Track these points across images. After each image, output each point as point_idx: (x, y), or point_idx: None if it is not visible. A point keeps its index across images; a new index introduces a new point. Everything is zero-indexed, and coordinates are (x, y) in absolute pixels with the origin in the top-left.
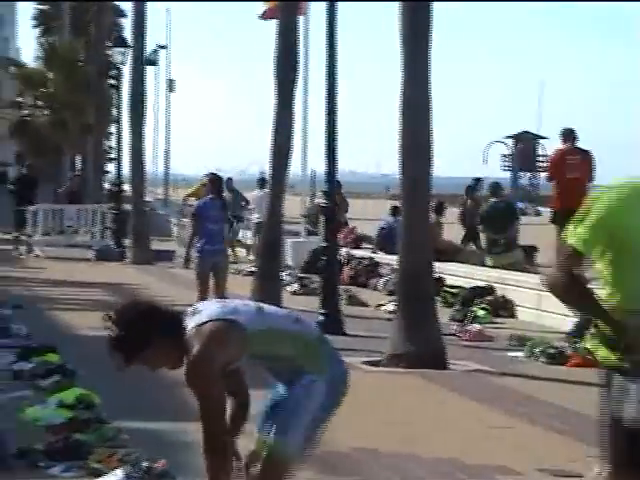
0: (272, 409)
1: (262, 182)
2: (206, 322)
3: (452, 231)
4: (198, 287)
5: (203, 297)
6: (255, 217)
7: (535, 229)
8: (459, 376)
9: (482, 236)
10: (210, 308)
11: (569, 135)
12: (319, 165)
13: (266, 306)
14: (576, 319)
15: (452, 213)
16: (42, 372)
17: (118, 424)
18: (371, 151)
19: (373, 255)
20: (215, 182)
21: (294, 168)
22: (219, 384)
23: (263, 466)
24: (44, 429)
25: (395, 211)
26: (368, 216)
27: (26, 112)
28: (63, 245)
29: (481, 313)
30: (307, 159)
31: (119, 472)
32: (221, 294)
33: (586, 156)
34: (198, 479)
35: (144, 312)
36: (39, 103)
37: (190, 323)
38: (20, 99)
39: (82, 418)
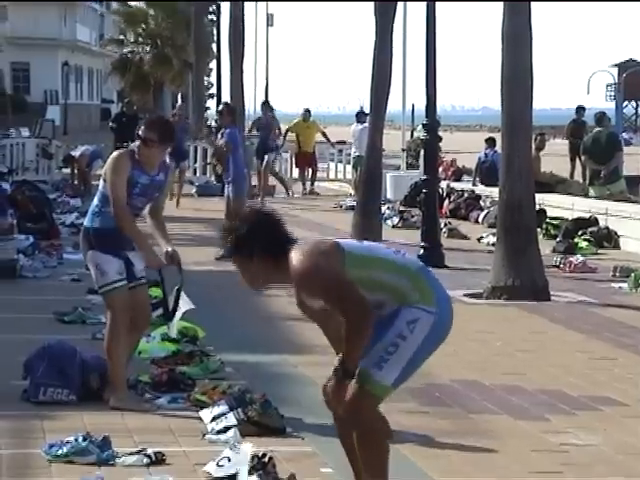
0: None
1: (360, 116)
2: (306, 243)
3: (558, 162)
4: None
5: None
6: (353, 151)
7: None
8: (562, 307)
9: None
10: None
11: None
12: (419, 100)
13: (366, 242)
14: None
15: (553, 144)
16: None
17: (222, 357)
18: (472, 85)
19: (474, 188)
20: (231, 111)
21: (393, 103)
22: (336, 273)
23: (353, 394)
24: (149, 362)
25: (490, 142)
26: (468, 149)
27: (128, 49)
28: None
29: (584, 244)
30: (406, 94)
31: (222, 403)
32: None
33: None
34: (296, 407)
35: (259, 224)
36: (140, 40)
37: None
38: (122, 37)
39: (186, 351)
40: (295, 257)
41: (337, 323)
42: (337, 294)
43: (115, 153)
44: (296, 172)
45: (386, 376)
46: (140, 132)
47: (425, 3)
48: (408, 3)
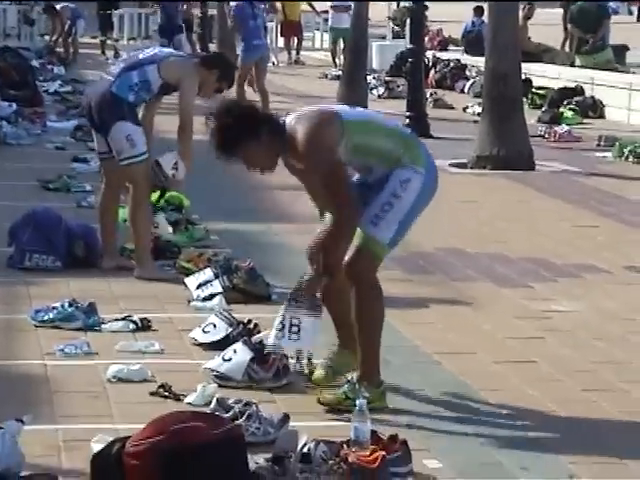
0: (364, 196)
1: None
2: (304, 112)
3: (545, 31)
4: (238, 76)
5: (241, 86)
6: (330, 21)
7: (627, 28)
8: (546, 176)
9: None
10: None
11: None
12: None
13: (359, 107)
14: None
15: (541, 13)
16: None
17: (207, 225)
18: None
19: (460, 57)
20: None
21: None
22: (336, 155)
23: (352, 254)
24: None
25: (478, 11)
26: (455, 18)
27: None
28: None
29: (569, 114)
30: None
31: (208, 271)
32: (262, 86)
33: None
34: (281, 275)
35: (249, 107)
36: None
37: (288, 118)
38: None
39: (171, 219)
40: (299, 127)
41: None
42: (333, 181)
43: (193, 68)
44: (281, 41)
45: (381, 233)
46: (214, 62)
47: None
48: None
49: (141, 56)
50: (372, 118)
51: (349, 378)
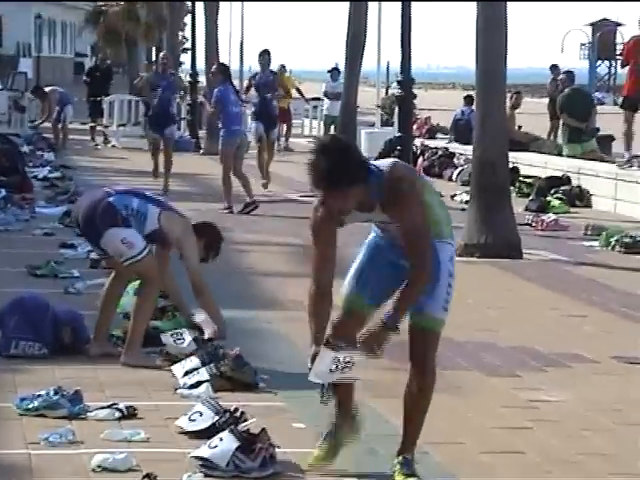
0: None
1: (334, 73)
2: (392, 163)
3: (532, 120)
4: (223, 163)
5: (227, 173)
6: (325, 108)
7: (612, 118)
8: (534, 265)
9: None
10: None
11: None
12: (394, 58)
13: None
14: None
15: (529, 103)
16: None
17: (194, 312)
18: (448, 43)
19: (448, 145)
20: (226, 71)
21: (369, 60)
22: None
23: (428, 343)
24: (121, 316)
25: (468, 100)
26: (443, 107)
27: (101, 3)
28: (139, 136)
29: (556, 203)
30: (381, 51)
31: (195, 358)
32: (239, 171)
33: None
34: (268, 363)
35: (359, 151)
36: None
37: (381, 166)
38: None
39: (159, 306)
40: (400, 177)
41: (331, 254)
42: (424, 234)
43: (192, 228)
44: None
45: (446, 313)
46: (203, 231)
47: None
48: None
49: (148, 193)
50: (432, 186)
51: (400, 460)
